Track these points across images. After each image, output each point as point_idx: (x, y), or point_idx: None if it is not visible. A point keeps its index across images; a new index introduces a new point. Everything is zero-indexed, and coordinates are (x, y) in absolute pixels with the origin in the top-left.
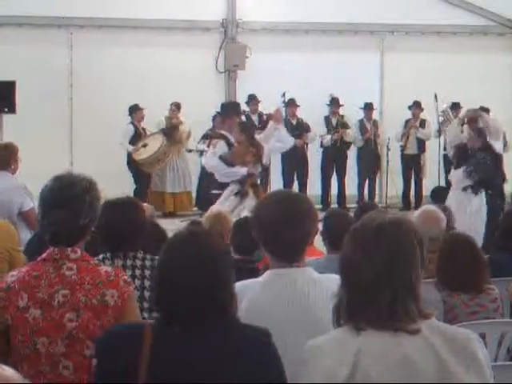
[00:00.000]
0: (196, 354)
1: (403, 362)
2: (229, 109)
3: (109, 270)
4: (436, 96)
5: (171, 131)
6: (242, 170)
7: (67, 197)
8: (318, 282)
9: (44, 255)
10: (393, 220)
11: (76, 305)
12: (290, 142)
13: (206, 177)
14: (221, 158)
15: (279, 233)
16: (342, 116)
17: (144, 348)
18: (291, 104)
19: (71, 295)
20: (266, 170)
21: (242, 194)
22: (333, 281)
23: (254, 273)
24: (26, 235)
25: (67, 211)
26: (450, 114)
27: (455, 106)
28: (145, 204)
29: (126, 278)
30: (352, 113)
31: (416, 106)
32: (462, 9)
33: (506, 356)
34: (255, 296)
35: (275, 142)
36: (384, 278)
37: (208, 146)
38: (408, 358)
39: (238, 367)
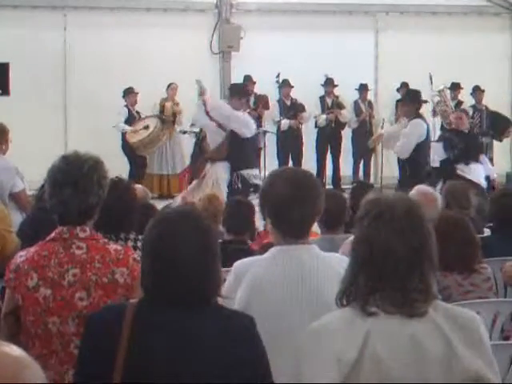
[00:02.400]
0: (176, 332)
1: (411, 342)
2: (232, 90)
3: (118, 249)
4: (431, 76)
5: (164, 114)
6: None
7: (75, 176)
8: (322, 259)
9: (52, 235)
10: (412, 200)
11: (86, 284)
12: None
13: (198, 158)
14: None
15: (289, 210)
16: (337, 96)
17: (124, 329)
18: (285, 85)
19: (81, 274)
20: (259, 151)
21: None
22: (336, 259)
23: (247, 253)
24: (17, 217)
25: (76, 190)
26: (447, 94)
27: (454, 87)
28: (137, 185)
29: (135, 256)
30: (347, 93)
31: (404, 87)
32: None
33: (499, 335)
34: (260, 271)
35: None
36: (417, 259)
37: None
38: (416, 339)
39: (220, 348)
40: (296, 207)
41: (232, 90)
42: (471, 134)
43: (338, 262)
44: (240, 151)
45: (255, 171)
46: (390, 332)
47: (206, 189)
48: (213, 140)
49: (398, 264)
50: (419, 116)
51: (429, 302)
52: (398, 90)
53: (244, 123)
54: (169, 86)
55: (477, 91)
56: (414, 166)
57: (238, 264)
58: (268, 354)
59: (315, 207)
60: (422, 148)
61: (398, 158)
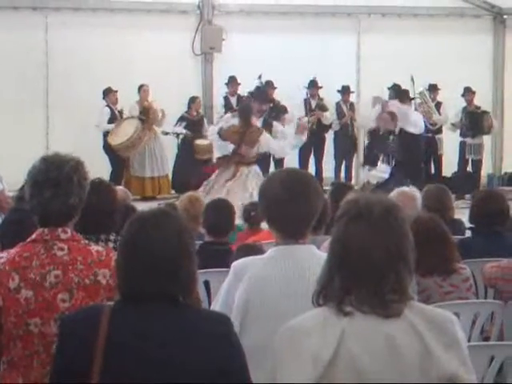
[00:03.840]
0: (153, 333)
1: (387, 342)
2: (257, 95)
3: (100, 250)
4: (413, 78)
5: (145, 115)
6: (230, 147)
7: (56, 177)
8: (319, 258)
9: (33, 236)
10: (392, 202)
11: (69, 285)
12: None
13: (182, 159)
14: (220, 130)
15: (285, 210)
16: (322, 99)
17: (101, 330)
18: (268, 86)
19: (63, 275)
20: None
21: (222, 169)
22: None
23: (227, 254)
24: None
25: (56, 191)
26: (427, 95)
27: (432, 88)
28: (118, 187)
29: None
30: (329, 95)
31: (395, 88)
32: None
33: (479, 336)
34: (259, 270)
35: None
36: (393, 261)
37: (185, 128)
38: (391, 339)
39: (196, 350)
40: (290, 205)
41: (255, 93)
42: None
43: None
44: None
45: None
46: (365, 331)
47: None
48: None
49: (372, 265)
50: None
51: (404, 302)
52: (389, 88)
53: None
54: (140, 87)
55: (468, 92)
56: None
57: (237, 263)
58: (266, 351)
59: (310, 205)
60: None
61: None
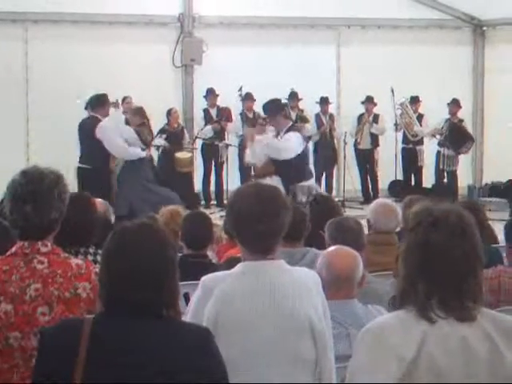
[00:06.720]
0: (135, 345)
1: (462, 345)
2: (271, 108)
3: (80, 263)
4: (393, 90)
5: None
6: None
7: (36, 191)
8: (290, 274)
9: (13, 249)
10: (462, 209)
11: (49, 298)
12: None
13: (161, 171)
14: None
15: (255, 226)
16: (302, 110)
17: (82, 342)
18: (248, 98)
19: (43, 289)
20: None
21: None
22: (304, 272)
23: (207, 267)
24: None
25: (37, 205)
26: (409, 107)
27: (414, 100)
28: (98, 199)
29: (96, 270)
30: (309, 107)
31: (369, 101)
32: (417, 2)
33: None
34: (227, 287)
35: None
36: (471, 262)
37: (165, 140)
38: (467, 342)
39: (177, 362)
40: (262, 222)
41: (272, 107)
42: None
43: (306, 276)
44: (288, 165)
45: (309, 182)
46: (444, 334)
47: None
48: (259, 159)
49: (454, 267)
50: None
51: (478, 308)
52: (362, 102)
53: (283, 150)
54: (124, 99)
55: (453, 104)
56: None
57: (206, 279)
58: (237, 366)
59: (280, 221)
60: None
61: None
